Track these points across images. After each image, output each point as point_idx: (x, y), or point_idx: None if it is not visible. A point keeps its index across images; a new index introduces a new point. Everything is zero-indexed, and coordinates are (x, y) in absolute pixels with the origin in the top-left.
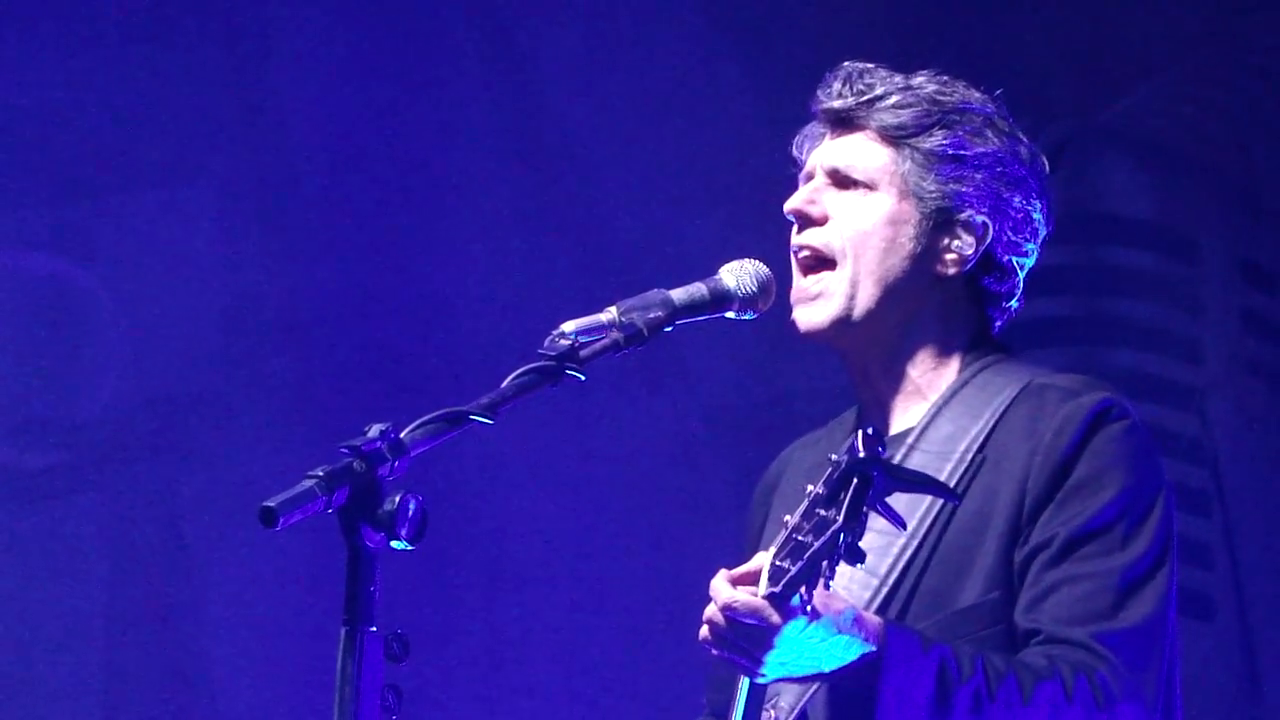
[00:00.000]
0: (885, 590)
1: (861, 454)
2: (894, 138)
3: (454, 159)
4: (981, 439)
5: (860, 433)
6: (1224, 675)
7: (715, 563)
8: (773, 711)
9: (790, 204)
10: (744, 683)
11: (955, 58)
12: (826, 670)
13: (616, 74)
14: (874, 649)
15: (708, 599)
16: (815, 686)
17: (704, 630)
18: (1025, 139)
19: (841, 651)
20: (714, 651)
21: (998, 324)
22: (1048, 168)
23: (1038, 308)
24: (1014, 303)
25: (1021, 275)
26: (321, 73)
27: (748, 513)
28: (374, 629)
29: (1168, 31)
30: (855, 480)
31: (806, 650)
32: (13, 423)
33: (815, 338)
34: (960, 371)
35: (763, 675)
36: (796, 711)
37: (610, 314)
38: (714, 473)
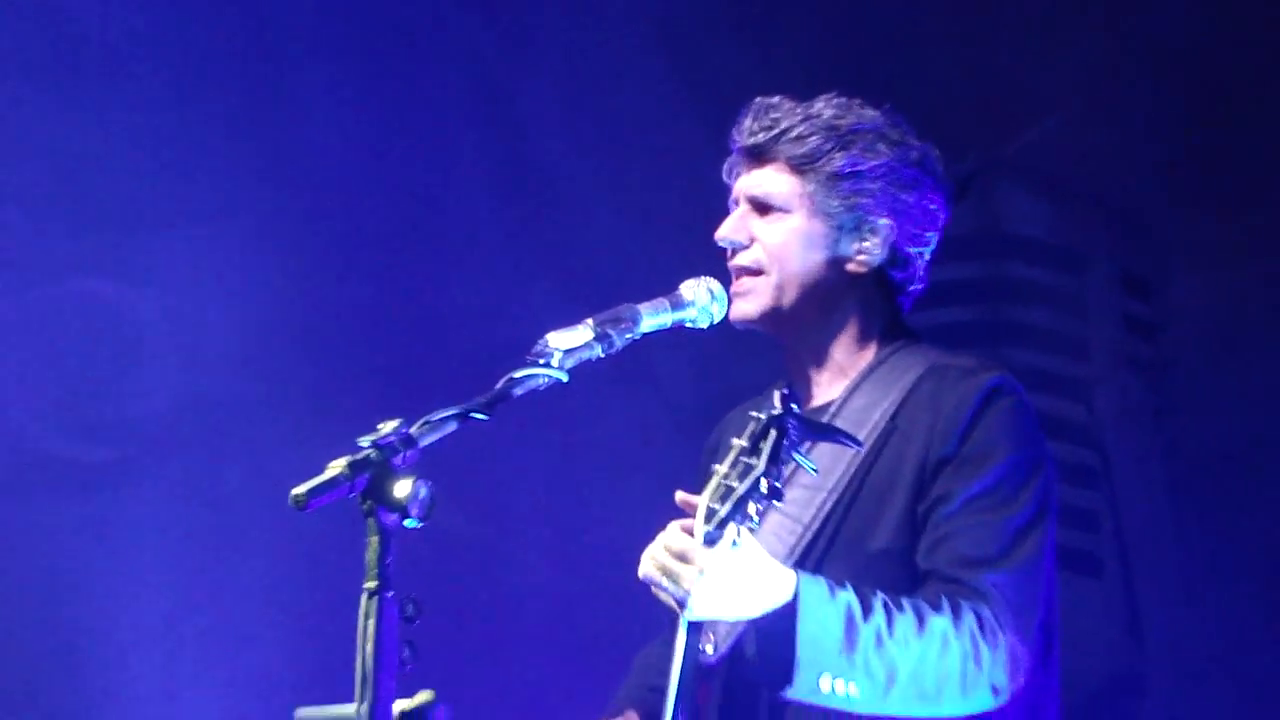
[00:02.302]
0: (809, 535)
1: (777, 409)
2: (799, 166)
3: (450, 193)
4: (892, 411)
5: (777, 392)
6: (1110, 625)
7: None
8: (712, 636)
9: (720, 233)
10: (683, 619)
11: (877, 98)
12: (746, 612)
13: (589, 117)
14: (789, 597)
15: None
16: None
17: (641, 567)
18: (915, 142)
19: (759, 595)
20: (652, 588)
21: (907, 307)
22: (938, 161)
23: (950, 314)
24: (917, 286)
25: (921, 262)
26: (336, 121)
27: (697, 470)
28: (391, 594)
29: (1057, 78)
30: (773, 431)
31: (727, 589)
32: (76, 422)
33: (748, 325)
34: (876, 353)
35: (690, 609)
36: (732, 639)
37: (587, 325)
38: (677, 455)
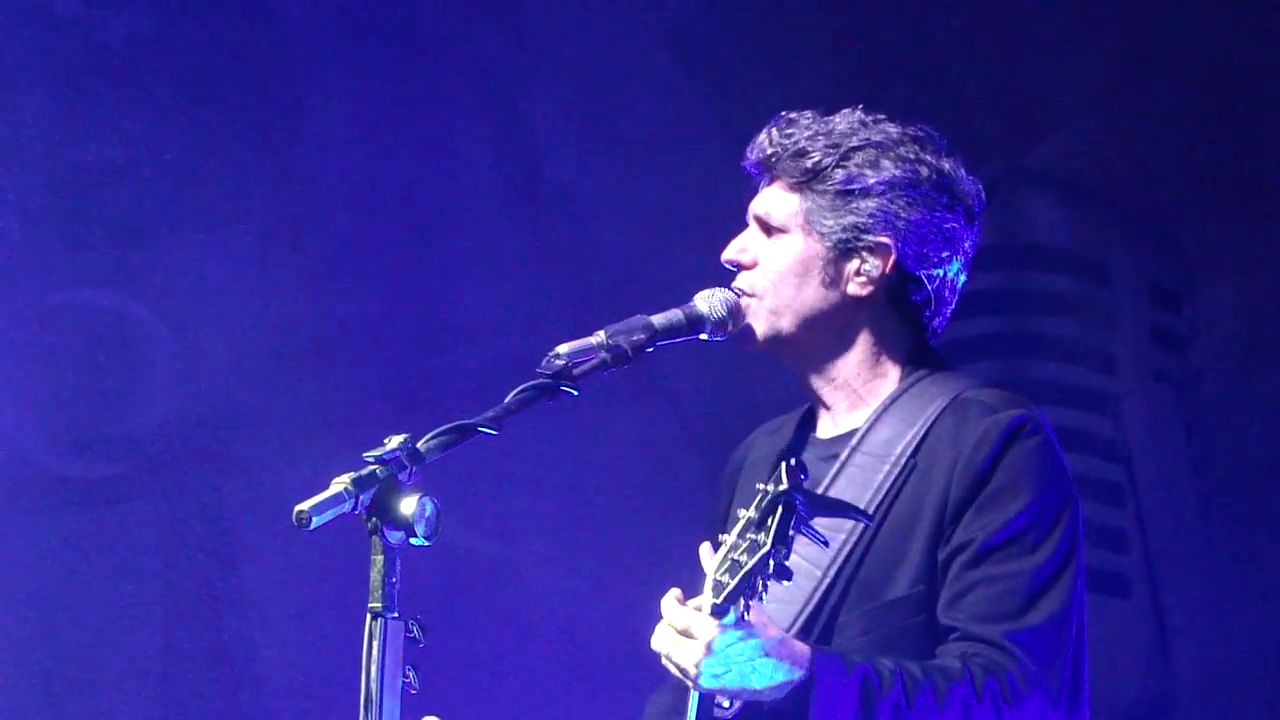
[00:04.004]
0: (828, 580)
1: (784, 485)
2: (799, 184)
3: (461, 203)
4: (914, 446)
5: (784, 464)
6: (1138, 645)
7: (692, 552)
8: (725, 700)
9: (725, 254)
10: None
11: (899, 109)
12: (757, 687)
13: (602, 128)
14: (803, 673)
15: (682, 585)
16: None
17: (654, 641)
18: (933, 160)
19: (770, 672)
20: (662, 659)
21: (932, 330)
22: (962, 180)
23: (972, 326)
24: (936, 309)
25: (938, 284)
26: (344, 130)
27: (716, 491)
28: (395, 615)
29: (1081, 84)
30: (780, 508)
31: (736, 666)
32: (79, 437)
33: (751, 350)
34: (899, 381)
35: (699, 684)
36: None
37: (599, 337)
38: (690, 472)
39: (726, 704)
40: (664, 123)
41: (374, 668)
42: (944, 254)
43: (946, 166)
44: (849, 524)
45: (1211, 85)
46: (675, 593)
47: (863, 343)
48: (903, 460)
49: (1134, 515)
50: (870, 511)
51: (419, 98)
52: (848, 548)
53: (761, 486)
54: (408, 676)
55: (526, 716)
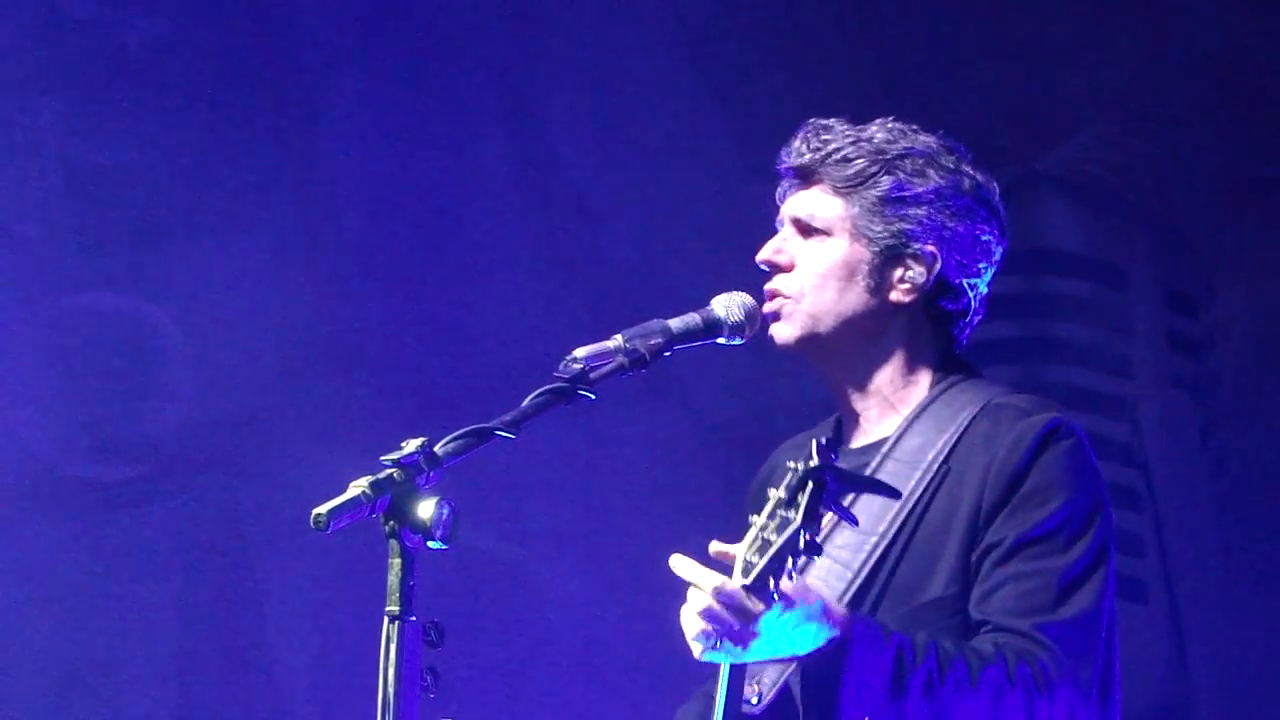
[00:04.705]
0: (858, 583)
1: (815, 461)
2: (844, 189)
3: (477, 207)
4: (946, 451)
5: (814, 442)
6: (1155, 650)
7: (707, 558)
8: (756, 686)
9: (761, 255)
10: (725, 665)
11: (913, 113)
12: (800, 653)
13: (617, 133)
14: (839, 634)
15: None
16: (793, 665)
17: (693, 625)
18: (971, 171)
19: (812, 637)
20: (699, 644)
21: (961, 339)
22: (995, 192)
23: (989, 331)
24: (970, 318)
25: (974, 294)
26: (361, 135)
27: (745, 506)
28: (413, 618)
29: (1095, 88)
30: (811, 484)
31: (782, 635)
32: (95, 440)
33: (786, 352)
34: (930, 389)
35: (740, 652)
36: (778, 686)
37: (616, 341)
38: (706, 479)
39: (755, 699)
40: (680, 127)
41: (391, 670)
42: (980, 264)
43: (981, 178)
44: (882, 526)
45: (1228, 89)
46: (700, 567)
47: (897, 350)
48: (935, 465)
49: (1151, 520)
50: (903, 518)
51: (435, 101)
52: (880, 550)
53: (792, 465)
54: (425, 679)
55: (543, 719)
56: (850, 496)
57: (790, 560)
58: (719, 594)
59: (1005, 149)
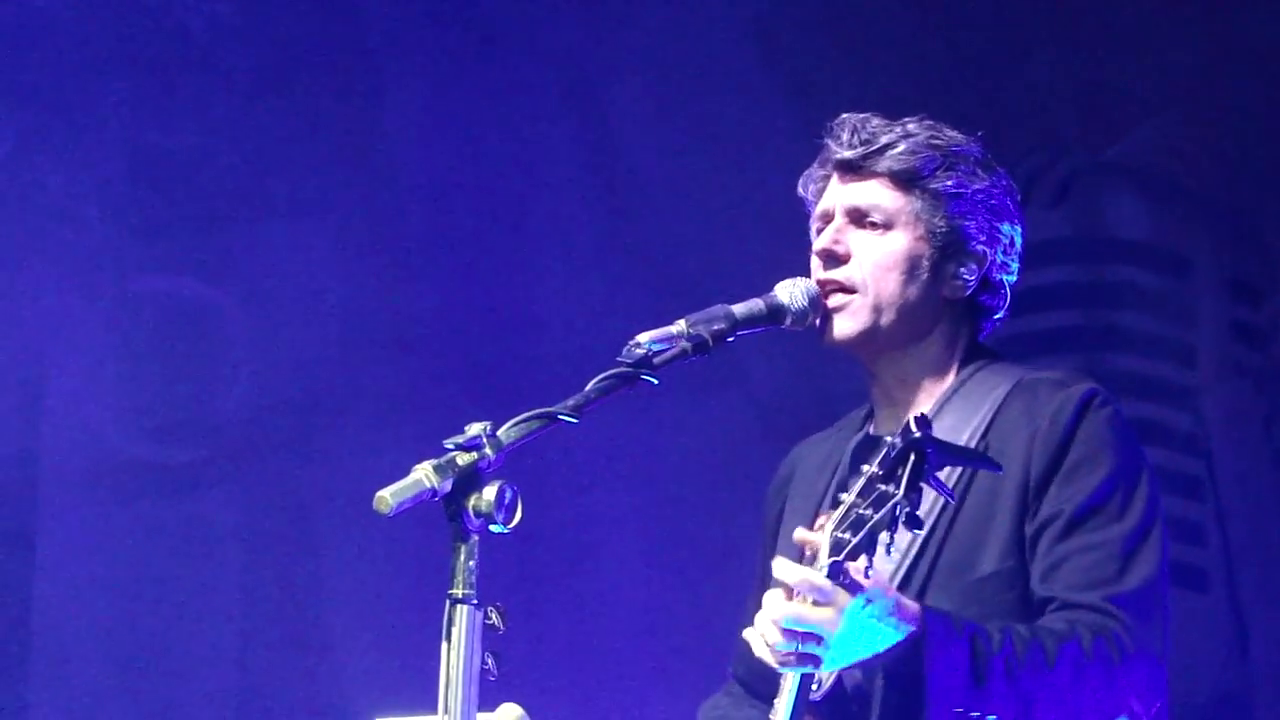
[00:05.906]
0: (909, 561)
1: (916, 434)
2: (905, 181)
3: (541, 194)
4: (983, 429)
5: (911, 417)
6: (1217, 640)
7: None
8: (814, 685)
9: (819, 244)
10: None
11: (977, 103)
12: (879, 651)
13: (680, 120)
14: (915, 629)
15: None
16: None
17: (770, 634)
18: (1004, 173)
19: (890, 634)
20: (778, 654)
21: (987, 330)
22: (1019, 196)
23: (1052, 319)
24: (1002, 315)
25: (1008, 291)
26: (425, 120)
27: (764, 506)
28: (475, 602)
29: (1162, 78)
30: (912, 456)
31: (864, 631)
32: (159, 424)
33: (842, 346)
34: (957, 375)
35: (829, 660)
36: (835, 675)
37: (680, 326)
38: (765, 464)
39: (816, 687)
40: (743, 116)
41: (453, 654)
42: (1014, 264)
43: (1011, 181)
44: (929, 500)
45: None
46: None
47: (938, 343)
48: (973, 443)
49: (1213, 510)
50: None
51: (499, 88)
52: (926, 530)
53: (890, 439)
54: (487, 663)
55: (602, 704)
56: (947, 471)
57: (887, 536)
58: (808, 586)
59: (1072, 138)
